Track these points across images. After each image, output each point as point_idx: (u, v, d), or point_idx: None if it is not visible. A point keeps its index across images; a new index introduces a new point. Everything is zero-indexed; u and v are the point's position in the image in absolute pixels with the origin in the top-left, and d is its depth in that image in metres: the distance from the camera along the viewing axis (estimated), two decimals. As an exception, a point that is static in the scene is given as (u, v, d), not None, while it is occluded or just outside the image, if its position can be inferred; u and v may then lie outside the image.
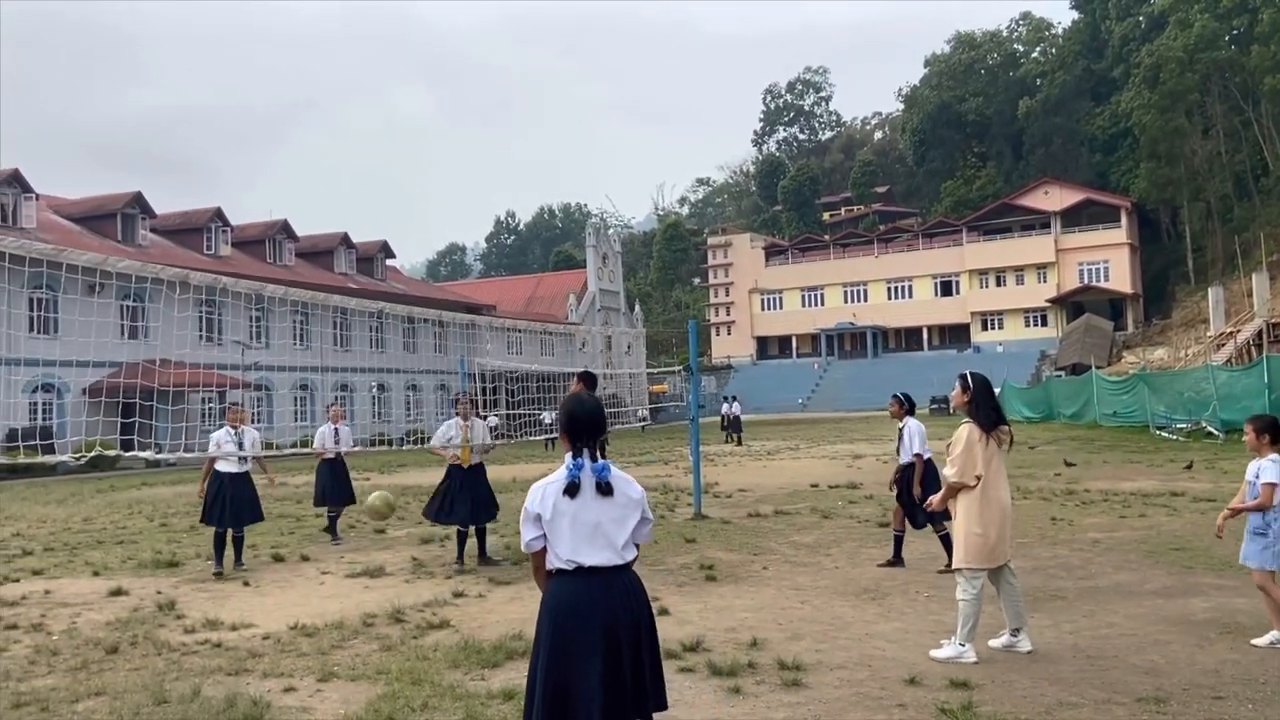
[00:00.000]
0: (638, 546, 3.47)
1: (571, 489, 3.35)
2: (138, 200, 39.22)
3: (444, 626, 7.06)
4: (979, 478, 5.76)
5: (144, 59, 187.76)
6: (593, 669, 3.25)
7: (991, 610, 6.00)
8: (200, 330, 36.77)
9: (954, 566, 5.89)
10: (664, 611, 7.19)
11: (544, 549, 3.40)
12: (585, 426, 3.45)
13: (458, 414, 10.21)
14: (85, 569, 10.42)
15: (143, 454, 8.43)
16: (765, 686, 5.28)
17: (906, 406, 9.20)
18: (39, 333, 31.66)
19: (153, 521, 15.07)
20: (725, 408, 33.87)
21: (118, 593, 8.89)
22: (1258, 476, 5.77)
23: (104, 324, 30.71)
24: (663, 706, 3.47)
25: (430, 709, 5.08)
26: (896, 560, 8.82)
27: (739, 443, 31.72)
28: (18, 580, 9.82)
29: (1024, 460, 19.92)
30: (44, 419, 31.76)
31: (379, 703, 5.17)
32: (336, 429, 12.18)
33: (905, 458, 8.91)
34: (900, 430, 9.09)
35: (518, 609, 7.59)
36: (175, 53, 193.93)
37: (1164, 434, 24.81)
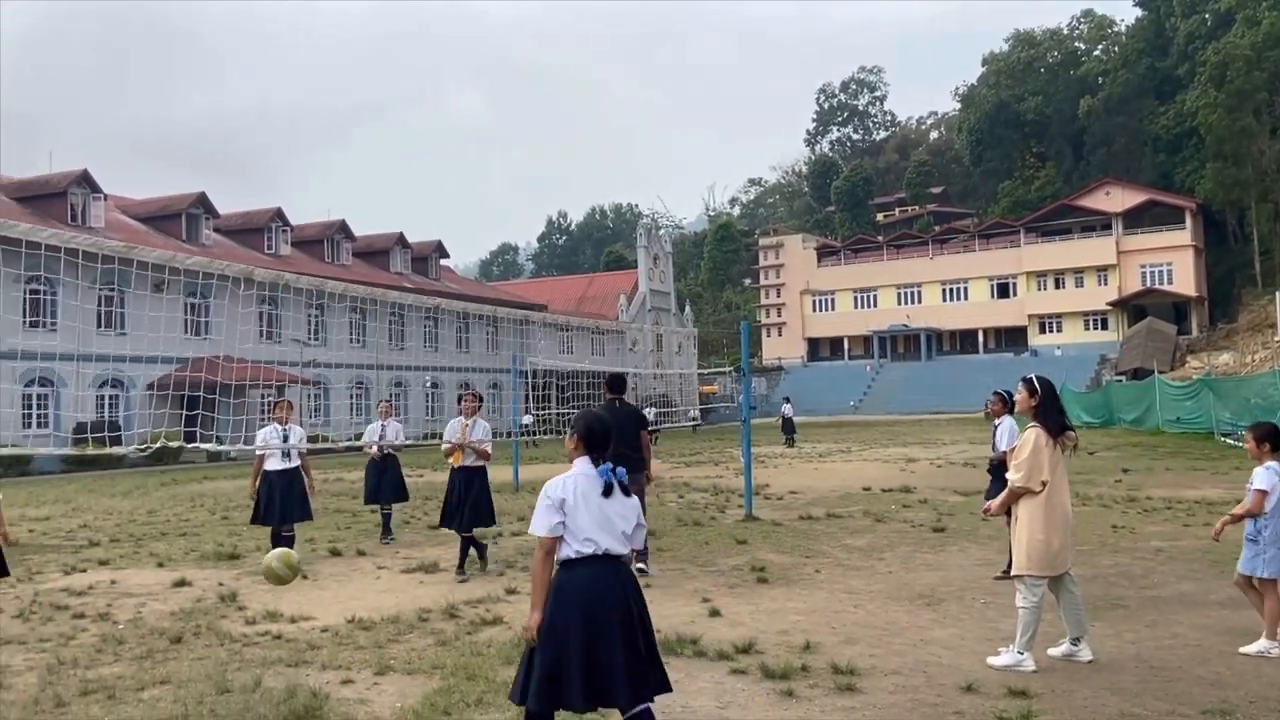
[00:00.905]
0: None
1: (609, 489, 3.85)
2: (202, 201, 40.16)
3: (497, 623, 7.12)
4: (1044, 483, 5.66)
5: (207, 63, 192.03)
6: (617, 645, 3.68)
7: (1050, 619, 5.90)
8: (260, 327, 37.52)
9: (1014, 573, 5.79)
10: (715, 613, 7.20)
11: (554, 540, 3.78)
12: (601, 439, 4.02)
13: (462, 412, 9.66)
14: (150, 560, 10.69)
15: (205, 446, 8.63)
16: (819, 690, 5.25)
17: (1008, 405, 8.95)
18: (107, 329, 32.56)
19: (214, 514, 15.42)
20: (786, 409, 33.67)
21: (181, 584, 9.11)
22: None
23: (169, 320, 31.51)
24: (669, 688, 3.92)
25: (485, 704, 5.13)
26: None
27: (790, 444, 31.53)
28: (85, 570, 10.11)
29: (1083, 466, 19.52)
30: (111, 413, 32.65)
31: (435, 697, 5.23)
32: (384, 425, 12.07)
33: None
34: (995, 428, 8.98)
35: (570, 607, 7.62)
36: (238, 56, 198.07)
37: (1230, 441, 24.14)
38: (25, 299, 29.82)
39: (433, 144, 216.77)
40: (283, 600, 8.16)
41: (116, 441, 27.15)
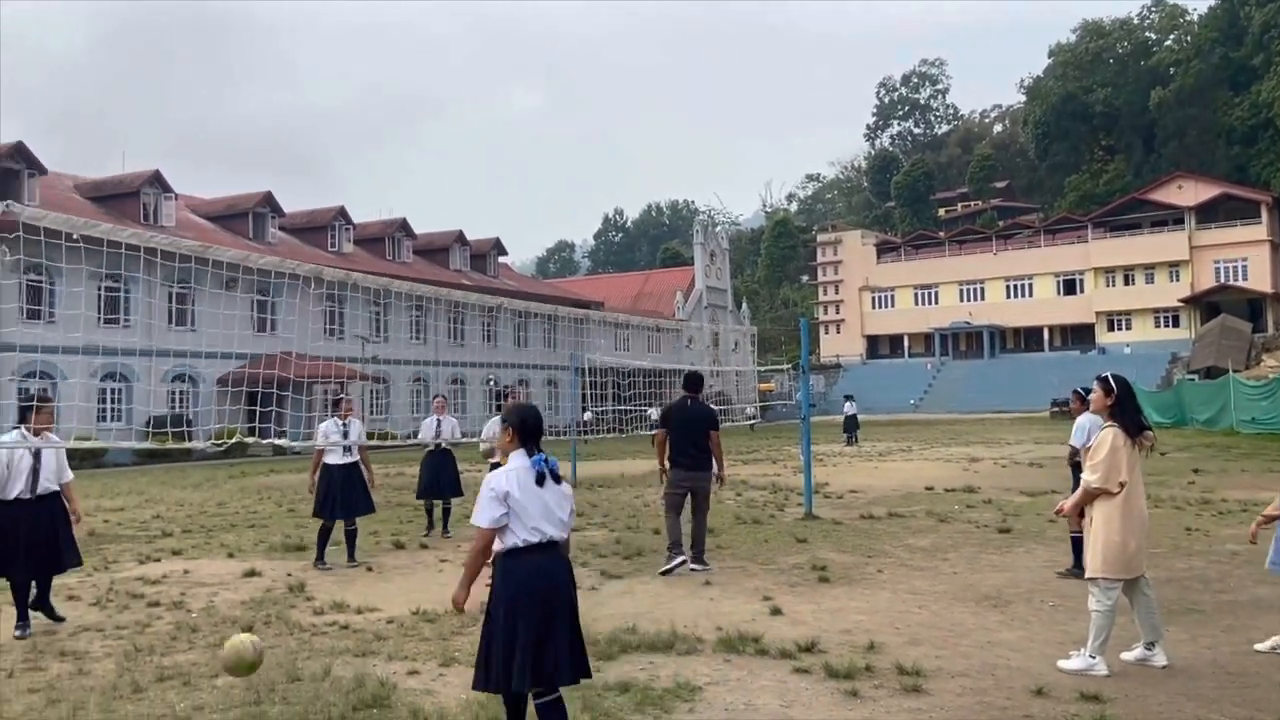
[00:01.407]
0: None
1: (541, 478, 4.04)
2: (268, 200, 41.04)
3: (558, 617, 7.16)
4: (1122, 484, 5.53)
5: (270, 63, 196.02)
6: (564, 627, 3.99)
7: (1123, 622, 5.75)
8: (324, 324, 38.22)
9: (1089, 575, 5.65)
10: (777, 611, 7.15)
11: (493, 532, 4.01)
12: (534, 430, 4.21)
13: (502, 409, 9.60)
14: (220, 550, 10.96)
15: (278, 441, 8.84)
16: (884, 691, 5.19)
17: (1087, 403, 8.87)
18: (177, 325, 33.44)
19: (280, 507, 15.75)
20: (849, 408, 33.29)
21: (251, 574, 9.33)
22: None
23: (237, 318, 32.27)
24: (590, 673, 4.19)
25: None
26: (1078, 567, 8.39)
27: (848, 442, 31.23)
28: (159, 560, 10.40)
29: (1155, 467, 19.02)
30: (182, 407, 33.54)
31: (498, 689, 5.27)
32: (439, 421, 12.07)
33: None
34: (1076, 425, 8.85)
35: (629, 603, 7.65)
36: (300, 56, 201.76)
37: (1309, 442, 23.35)
38: (101, 297, 30.77)
39: (491, 142, 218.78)
40: (349, 592, 8.30)
41: (188, 436, 27.91)
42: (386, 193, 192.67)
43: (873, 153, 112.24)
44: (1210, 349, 55.81)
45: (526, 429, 4.19)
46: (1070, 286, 75.05)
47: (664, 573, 8.73)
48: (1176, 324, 70.20)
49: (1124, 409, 5.67)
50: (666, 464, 9.25)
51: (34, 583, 7.16)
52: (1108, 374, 5.83)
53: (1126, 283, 72.54)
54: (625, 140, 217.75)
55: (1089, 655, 5.50)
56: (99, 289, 30.48)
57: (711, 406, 9.86)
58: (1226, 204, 69.40)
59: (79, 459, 27.83)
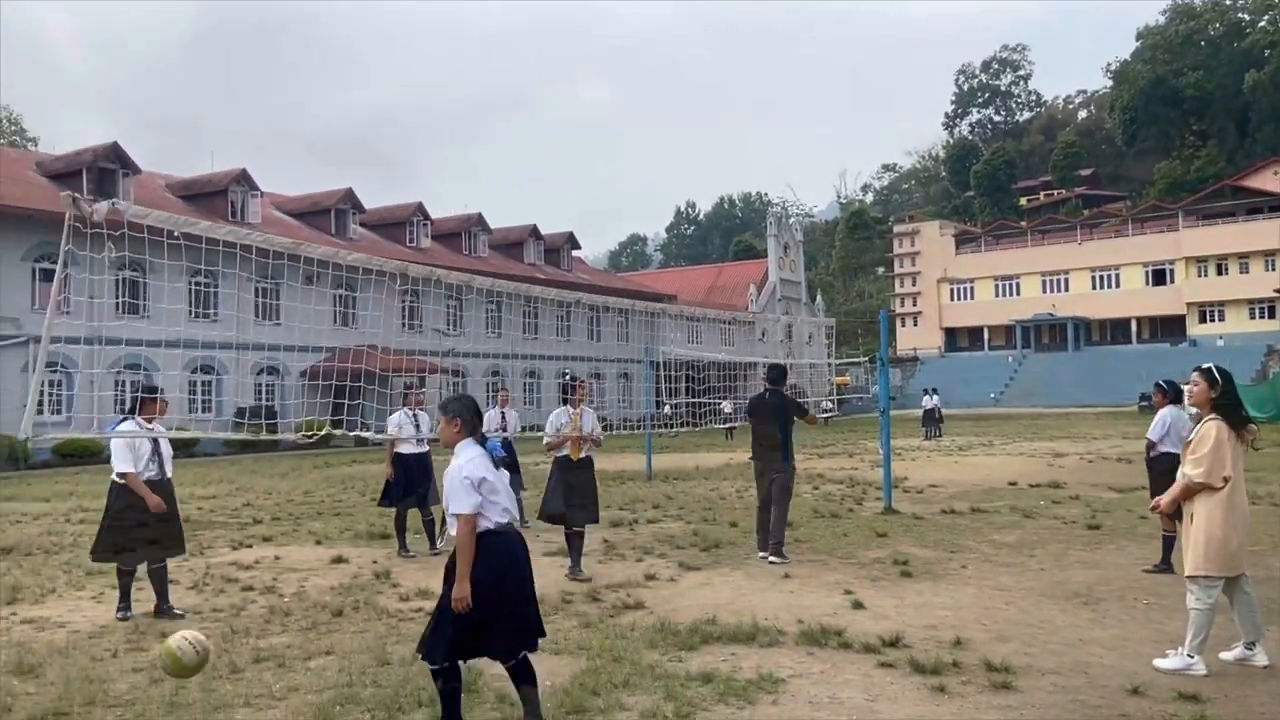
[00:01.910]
0: None
1: (497, 463, 4.33)
2: (349, 197, 41.95)
3: (639, 607, 7.20)
4: (1226, 479, 5.34)
5: (347, 61, 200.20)
6: (533, 600, 4.47)
7: (1221, 621, 5.56)
8: (404, 318, 38.93)
9: (1189, 573, 5.47)
10: (858, 605, 7.09)
11: (475, 518, 4.19)
12: (480, 418, 4.50)
13: (568, 401, 9.07)
14: (309, 538, 11.28)
15: (364, 435, 9.06)
16: (972, 687, 5.10)
17: (1170, 395, 8.70)
18: (264, 319, 34.42)
19: (364, 496, 16.11)
20: (929, 401, 32.73)
21: (338, 560, 9.58)
22: None
23: (319, 312, 33.07)
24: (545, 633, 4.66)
25: (631, 686, 5.20)
26: (1165, 565, 8.15)
27: (926, 436, 30.74)
28: (250, 546, 10.75)
29: (1249, 463, 18.32)
30: (268, 399, 34.53)
31: (583, 677, 5.33)
32: (504, 413, 12.08)
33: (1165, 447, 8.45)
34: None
35: (709, 594, 7.65)
36: (376, 55, 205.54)
37: None
38: (193, 291, 31.83)
39: (563, 136, 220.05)
40: (433, 579, 8.46)
41: (274, 427, 28.73)
42: (461, 188, 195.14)
43: (951, 141, 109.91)
44: (1310, 341, 53.44)
45: (475, 418, 4.44)
46: (1159, 277, 72.56)
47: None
48: (1272, 315, 67.36)
49: (1229, 401, 5.48)
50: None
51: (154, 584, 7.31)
52: (1210, 365, 5.63)
53: (1219, 272, 69.85)
54: (697, 132, 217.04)
55: (1187, 654, 5.33)
56: (191, 284, 31.54)
57: (786, 395, 9.73)
58: (1328, 190, 66.35)
59: (175, 448, 28.95)
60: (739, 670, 5.45)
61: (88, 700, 5.16)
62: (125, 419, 7.31)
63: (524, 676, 4.45)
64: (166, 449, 7.43)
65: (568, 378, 9.99)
